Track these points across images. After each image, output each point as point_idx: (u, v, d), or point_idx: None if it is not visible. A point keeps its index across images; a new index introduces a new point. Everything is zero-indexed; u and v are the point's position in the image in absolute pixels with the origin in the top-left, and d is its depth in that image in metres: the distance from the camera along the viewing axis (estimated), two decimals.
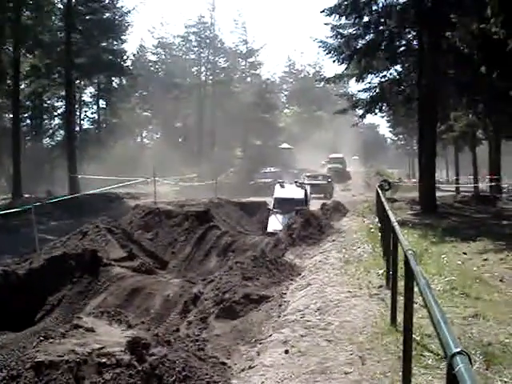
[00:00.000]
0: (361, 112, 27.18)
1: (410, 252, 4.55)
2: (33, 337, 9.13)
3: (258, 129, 64.99)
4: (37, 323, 11.20)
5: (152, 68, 71.00)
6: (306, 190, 23.88)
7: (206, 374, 5.59)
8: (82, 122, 59.40)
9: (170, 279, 12.84)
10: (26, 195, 31.02)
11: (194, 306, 10.37)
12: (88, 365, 5.11)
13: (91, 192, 25.84)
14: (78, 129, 52.09)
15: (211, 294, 10.33)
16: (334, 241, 15.27)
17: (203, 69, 71.02)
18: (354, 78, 26.20)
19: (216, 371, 5.84)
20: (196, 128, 65.84)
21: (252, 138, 67.72)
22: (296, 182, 25.30)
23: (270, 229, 20.85)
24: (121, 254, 13.74)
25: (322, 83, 36.73)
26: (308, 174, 41.65)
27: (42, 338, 5.64)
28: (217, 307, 9.53)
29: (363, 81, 26.12)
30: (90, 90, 59.26)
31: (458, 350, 2.55)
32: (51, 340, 5.57)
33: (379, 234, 13.04)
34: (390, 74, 25.71)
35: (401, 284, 6.95)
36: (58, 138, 60.42)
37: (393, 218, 7.60)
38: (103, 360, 5.17)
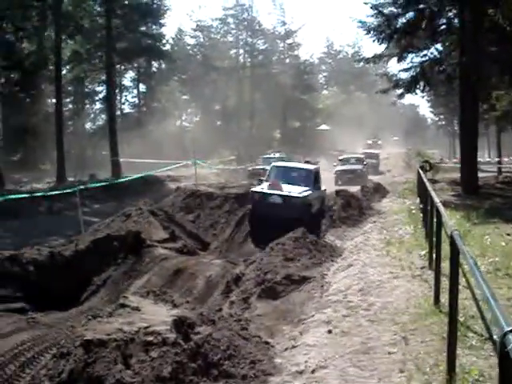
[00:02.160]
0: (400, 92, 26.75)
1: (456, 232, 4.51)
2: (80, 316, 9.38)
3: (297, 110, 64.69)
4: (83, 303, 11.47)
5: (191, 51, 71.11)
6: (318, 168, 18.46)
7: (250, 353, 5.67)
8: (122, 106, 60.21)
9: (212, 260, 12.97)
10: (70, 179, 31.65)
11: (235, 286, 10.47)
12: (135, 343, 5.24)
13: (133, 176, 26.15)
14: (118, 113, 52.63)
15: (253, 274, 10.42)
16: (374, 222, 15.20)
17: (241, 51, 70.76)
18: (394, 58, 25.79)
19: (259, 350, 5.91)
20: (234, 110, 65.83)
21: (290, 120, 67.44)
22: (308, 161, 21.19)
23: (257, 188, 16.69)
24: (163, 236, 13.93)
25: (361, 63, 36.20)
26: (341, 158, 37.56)
27: (90, 317, 5.79)
28: (258, 287, 9.61)
29: (403, 60, 25.67)
30: (130, 74, 59.94)
31: (511, 328, 2.53)
32: (99, 319, 5.73)
33: (421, 215, 12.93)
34: (431, 53, 25.15)
35: (444, 265, 6.93)
36: (100, 123, 61.44)
37: (436, 199, 7.52)
38: (150, 338, 5.29)
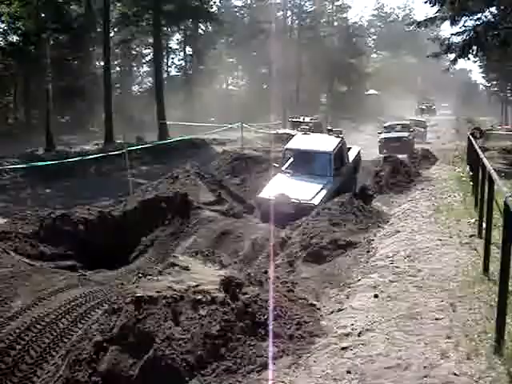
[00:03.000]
0: (452, 56, 26.00)
1: (510, 199, 4.42)
2: (128, 275, 9.62)
3: (344, 74, 63.71)
4: (131, 262, 11.75)
5: (237, 13, 70.54)
6: (341, 143, 16.35)
7: (296, 315, 5.73)
8: (169, 68, 60.40)
9: (257, 223, 13.05)
10: (118, 141, 32.02)
11: (281, 249, 10.54)
12: (184, 301, 5.35)
13: (179, 138, 26.35)
14: (165, 76, 52.80)
15: (298, 238, 10.45)
16: (422, 189, 14.98)
17: (289, 13, 69.71)
18: (447, 21, 25.03)
19: (305, 312, 5.96)
20: (281, 74, 65.24)
21: (338, 84, 66.53)
22: (330, 129, 18.51)
23: (263, 194, 14.53)
24: (210, 198, 14.06)
25: (412, 27, 35.14)
26: (386, 124, 35.17)
27: (140, 275, 5.93)
28: (304, 251, 9.65)
29: (456, 24, 24.88)
30: (177, 36, 59.94)
31: None
32: (149, 277, 5.85)
33: (470, 182, 12.69)
34: (485, 17, 24.32)
35: (493, 234, 6.82)
36: (146, 85, 61.90)
37: (488, 166, 7.37)
38: (199, 297, 5.39)
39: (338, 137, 16.60)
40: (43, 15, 34.57)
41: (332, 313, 6.09)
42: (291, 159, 16.01)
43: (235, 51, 66.77)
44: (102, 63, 41.28)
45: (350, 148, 17.81)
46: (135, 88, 62.05)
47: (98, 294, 7.11)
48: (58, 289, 7.17)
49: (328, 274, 8.13)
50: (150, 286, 5.53)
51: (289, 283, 7.00)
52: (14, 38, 46.06)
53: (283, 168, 15.70)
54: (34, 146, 30.66)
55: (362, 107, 56.96)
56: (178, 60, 62.45)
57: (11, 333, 6.03)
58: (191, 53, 60.94)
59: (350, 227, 10.64)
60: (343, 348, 4.96)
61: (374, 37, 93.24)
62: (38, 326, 6.09)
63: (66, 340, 5.89)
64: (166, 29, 47.56)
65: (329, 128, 19.78)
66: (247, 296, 5.50)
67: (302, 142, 16.70)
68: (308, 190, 14.25)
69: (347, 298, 6.50)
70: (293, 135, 28.67)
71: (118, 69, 57.15)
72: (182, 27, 54.68)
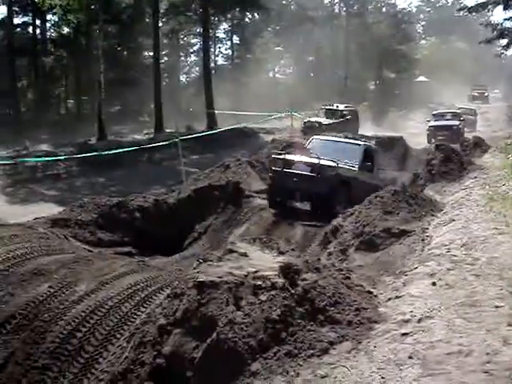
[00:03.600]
0: (505, 42, 25.43)
1: None
2: (183, 261, 9.86)
3: (393, 61, 62.73)
4: (185, 249, 12.00)
5: (284, 1, 70.18)
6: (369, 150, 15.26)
7: (354, 301, 5.79)
8: (216, 58, 60.71)
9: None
10: (168, 130, 32.46)
11: (333, 237, 10.59)
12: (245, 286, 5.47)
13: (230, 127, 26.54)
14: (212, 65, 53.14)
15: (351, 226, 10.48)
16: (475, 178, 14.74)
17: (336, 0, 69.14)
18: (500, 6, 24.47)
19: (363, 299, 6.02)
20: (328, 62, 64.80)
21: (386, 71, 65.64)
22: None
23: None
24: (261, 187, 14.20)
25: (463, 12, 34.33)
26: (435, 112, 34.60)
27: (200, 261, 6.08)
28: (356, 240, 9.68)
29: (509, 8, 24.31)
30: (224, 26, 60.11)
31: None
32: (209, 263, 6.00)
33: None
34: None
35: None
36: (194, 75, 62.40)
37: None
38: (258, 283, 5.50)
39: (365, 142, 15.70)
40: (94, 7, 35.22)
41: (389, 300, 6.12)
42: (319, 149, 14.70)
43: (282, 39, 66.53)
44: (151, 53, 41.84)
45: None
46: (183, 78, 62.63)
47: (159, 279, 7.31)
48: (120, 274, 7.40)
49: (383, 262, 8.14)
50: (211, 272, 5.67)
51: (344, 270, 7.05)
52: (66, 30, 47.14)
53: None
54: (84, 135, 31.44)
55: (411, 94, 56.00)
56: (225, 49, 62.77)
57: (77, 316, 6.27)
58: (238, 41, 61.09)
59: (404, 216, 10.58)
60: (403, 334, 5.00)
61: (423, 23, 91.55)
62: (102, 310, 6.31)
63: (129, 323, 6.08)
64: (213, 18, 47.77)
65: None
66: (306, 282, 5.58)
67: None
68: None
69: (404, 285, 6.51)
70: (325, 124, 28.16)
71: (166, 59, 57.75)
72: (230, 16, 54.78)
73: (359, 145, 15.13)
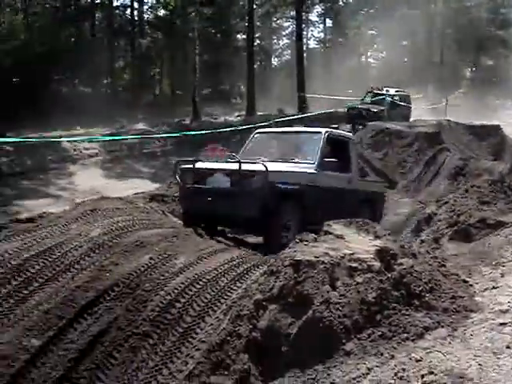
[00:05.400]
0: None
1: None
2: None
3: (491, 47, 60.20)
4: None
5: None
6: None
7: (450, 289, 5.77)
8: (308, 41, 60.50)
9: (400, 199, 13.01)
10: (259, 113, 32.80)
11: (426, 225, 10.49)
12: (340, 267, 5.56)
13: (321, 111, 26.45)
14: (304, 48, 53.00)
15: (445, 215, 10.34)
16: None
17: None
18: None
19: (459, 287, 5.99)
20: (423, 47, 62.95)
21: (483, 58, 63.09)
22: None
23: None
24: None
25: None
26: None
27: (297, 241, 6.21)
28: (450, 229, 9.55)
29: None
30: (317, 9, 59.74)
31: None
32: (305, 243, 6.13)
33: None
34: None
35: None
36: (285, 58, 62.46)
37: None
38: (354, 265, 5.58)
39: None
40: None
41: (486, 290, 6.05)
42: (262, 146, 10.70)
43: (375, 23, 65.25)
44: (243, 36, 42.19)
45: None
46: (275, 61, 62.84)
47: (254, 257, 7.52)
48: (216, 249, 7.65)
49: (478, 252, 8.00)
50: (308, 251, 5.79)
51: (439, 258, 7.00)
52: (162, 12, 48.34)
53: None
54: (178, 116, 32.29)
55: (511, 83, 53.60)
56: (318, 32, 62.38)
57: (176, 287, 6.54)
58: (331, 25, 60.57)
59: (501, 207, 10.34)
60: (501, 324, 4.95)
61: None
62: (201, 283, 6.56)
63: (226, 297, 6.31)
64: (308, 1, 47.59)
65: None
66: (402, 267, 5.62)
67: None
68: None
69: (502, 276, 6.41)
70: (374, 111, 25.27)
71: (258, 41, 58.11)
72: None
73: (319, 133, 10.03)
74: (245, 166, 8.46)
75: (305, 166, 9.44)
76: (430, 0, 64.47)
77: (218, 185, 8.79)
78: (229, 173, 8.71)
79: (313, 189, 9.12)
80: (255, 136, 10.85)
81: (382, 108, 26.29)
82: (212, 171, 9.05)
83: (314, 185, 9.17)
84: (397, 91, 29.04)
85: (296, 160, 9.66)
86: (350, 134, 11.76)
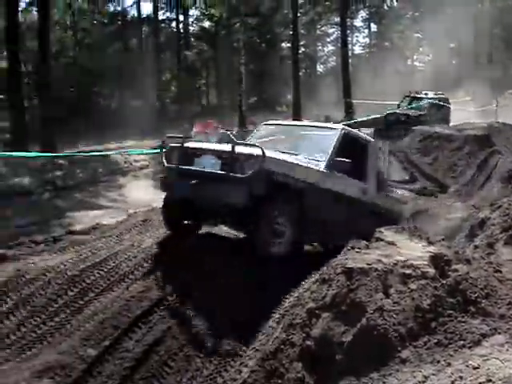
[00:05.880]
0: None
1: None
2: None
3: None
4: None
5: None
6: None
7: (507, 294, 5.63)
8: (353, 47, 60.24)
9: (453, 203, 12.80)
10: (305, 120, 32.74)
11: (480, 230, 10.26)
12: (393, 274, 5.51)
13: (369, 117, 26.26)
14: (349, 54, 52.80)
15: (499, 219, 10.07)
16: None
17: None
18: None
19: None
20: (470, 48, 61.81)
21: None
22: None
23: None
24: (403, 177, 14.05)
25: None
26: None
27: (349, 248, 6.19)
28: (505, 233, 9.30)
29: None
30: (362, 14, 59.50)
31: None
32: (357, 250, 6.10)
33: None
34: None
35: None
36: (330, 64, 62.32)
37: None
38: (408, 271, 5.52)
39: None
40: (235, 0, 36.30)
41: None
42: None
43: (421, 26, 64.44)
44: (288, 45, 42.33)
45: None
46: (320, 68, 62.76)
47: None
48: None
49: None
50: (359, 259, 5.77)
51: (494, 264, 6.86)
52: (207, 24, 48.99)
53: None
54: (225, 126, 32.51)
55: None
56: (363, 38, 62.12)
57: None
58: (376, 30, 60.18)
59: None
60: None
61: None
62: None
63: (279, 305, 6.35)
64: (352, 6, 47.47)
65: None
66: (457, 273, 5.53)
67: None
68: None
69: None
70: (414, 116, 24.77)
71: (303, 49, 58.19)
72: (367, 4, 54.11)
73: (334, 129, 8.94)
74: (239, 149, 7.36)
75: (312, 162, 8.13)
76: (477, 0, 63.38)
77: (205, 167, 7.58)
78: (220, 154, 7.56)
79: (317, 190, 7.89)
80: (262, 127, 9.75)
81: (422, 112, 25.89)
82: (201, 151, 7.89)
83: (319, 186, 7.94)
84: (435, 94, 28.44)
85: (303, 155, 8.26)
86: (370, 138, 9.88)
